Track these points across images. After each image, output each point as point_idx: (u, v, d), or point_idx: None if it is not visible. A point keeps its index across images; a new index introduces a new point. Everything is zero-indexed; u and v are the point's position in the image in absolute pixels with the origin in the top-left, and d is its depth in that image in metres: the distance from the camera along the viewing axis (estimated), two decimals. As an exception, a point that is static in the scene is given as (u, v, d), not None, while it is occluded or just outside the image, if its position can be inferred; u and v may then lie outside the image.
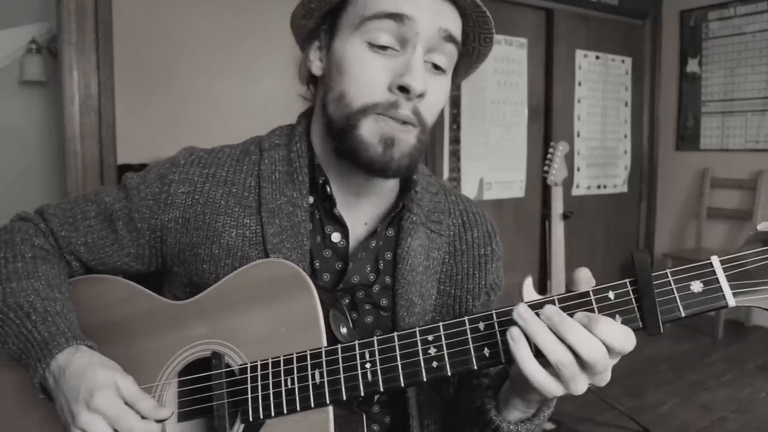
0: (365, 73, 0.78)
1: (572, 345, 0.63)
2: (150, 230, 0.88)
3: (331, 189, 0.85)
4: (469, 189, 3.71)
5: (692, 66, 4.40)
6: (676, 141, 4.56)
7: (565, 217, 2.78)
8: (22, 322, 0.79)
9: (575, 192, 4.19)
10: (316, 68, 0.86)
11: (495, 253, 0.95)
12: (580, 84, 4.17)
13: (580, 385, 0.65)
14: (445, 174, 3.59)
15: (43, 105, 3.16)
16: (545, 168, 2.84)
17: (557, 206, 2.76)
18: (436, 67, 0.80)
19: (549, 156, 2.85)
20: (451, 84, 0.86)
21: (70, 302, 0.86)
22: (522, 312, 0.65)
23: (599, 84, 4.28)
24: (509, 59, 3.82)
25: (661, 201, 4.67)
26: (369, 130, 0.78)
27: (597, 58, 4.25)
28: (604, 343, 0.63)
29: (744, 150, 4.18)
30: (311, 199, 0.87)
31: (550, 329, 0.64)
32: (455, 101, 3.60)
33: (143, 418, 0.74)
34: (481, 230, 0.94)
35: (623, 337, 0.64)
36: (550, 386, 0.65)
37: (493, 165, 3.82)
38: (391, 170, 0.79)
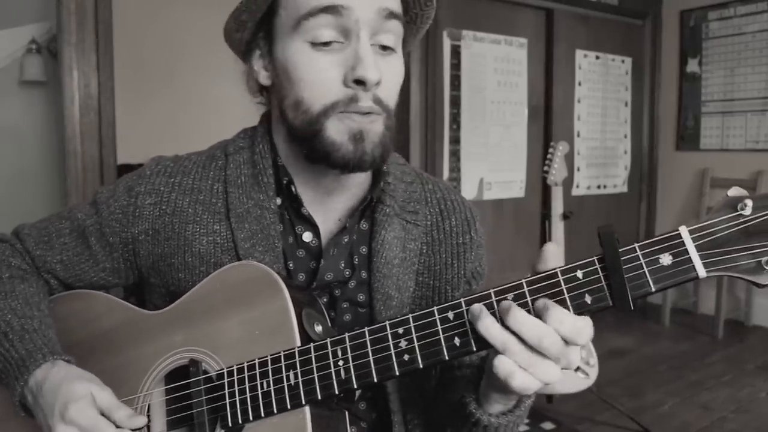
0: (316, 75, 0.76)
1: (518, 333, 0.64)
2: (122, 244, 0.88)
3: (296, 189, 0.84)
4: (469, 189, 3.71)
5: (692, 66, 4.40)
6: (676, 141, 4.55)
7: (565, 217, 2.78)
8: None
9: (575, 192, 4.19)
10: (264, 78, 0.84)
11: (474, 241, 0.93)
12: (580, 84, 4.17)
13: (542, 370, 0.64)
14: (445, 174, 3.59)
15: (43, 105, 3.16)
16: (545, 168, 2.84)
17: (557, 206, 2.76)
18: (384, 48, 0.78)
19: (549, 156, 2.85)
20: (403, 53, 0.84)
21: (49, 319, 0.85)
22: (473, 310, 0.66)
23: (599, 84, 4.28)
24: (509, 59, 3.82)
25: (661, 201, 4.67)
26: (335, 130, 0.76)
27: (597, 58, 4.25)
28: (557, 332, 0.63)
29: (744, 150, 4.18)
30: (279, 201, 0.86)
31: (501, 320, 0.65)
32: (455, 101, 3.60)
33: (119, 428, 0.73)
34: (459, 218, 0.92)
35: (573, 327, 0.63)
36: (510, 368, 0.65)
37: (493, 165, 3.82)
38: (367, 163, 0.78)
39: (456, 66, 3.59)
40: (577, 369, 2.59)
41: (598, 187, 4.36)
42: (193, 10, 2.73)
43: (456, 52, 3.58)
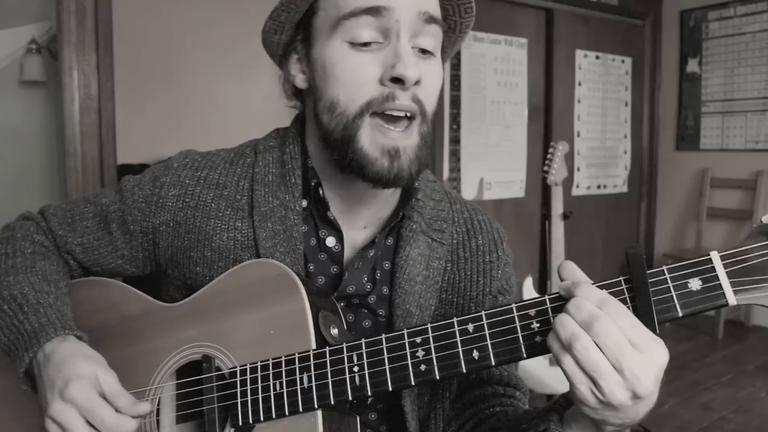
0: (353, 74, 0.75)
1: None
2: (142, 233, 0.88)
3: (323, 192, 0.84)
4: (469, 189, 3.71)
5: (692, 66, 4.40)
6: (676, 141, 4.56)
7: (565, 217, 2.78)
8: (14, 314, 0.79)
9: (575, 192, 4.19)
10: (300, 81, 0.83)
11: (501, 259, 0.92)
12: (580, 84, 4.17)
13: (615, 388, 0.58)
14: (445, 174, 3.59)
15: (43, 105, 3.16)
16: (545, 168, 2.84)
17: (557, 206, 2.76)
18: (423, 51, 0.77)
19: (549, 156, 2.85)
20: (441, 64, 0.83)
21: (67, 297, 0.86)
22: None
23: (599, 84, 4.28)
24: (509, 59, 3.82)
25: (661, 201, 4.67)
26: (369, 143, 0.75)
27: (597, 58, 4.24)
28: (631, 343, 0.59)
29: (744, 150, 4.18)
30: (305, 203, 0.85)
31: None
32: (455, 101, 3.60)
33: (117, 413, 0.73)
34: (486, 237, 0.91)
35: (634, 327, 0.59)
36: (582, 381, 0.60)
37: (493, 165, 3.82)
38: (403, 180, 0.76)
39: (456, 66, 3.59)
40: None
41: (598, 187, 4.35)
42: (193, 10, 2.73)
43: (456, 52, 3.57)
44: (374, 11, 0.73)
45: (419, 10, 0.75)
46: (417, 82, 0.75)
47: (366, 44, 0.75)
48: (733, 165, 4.20)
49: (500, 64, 3.78)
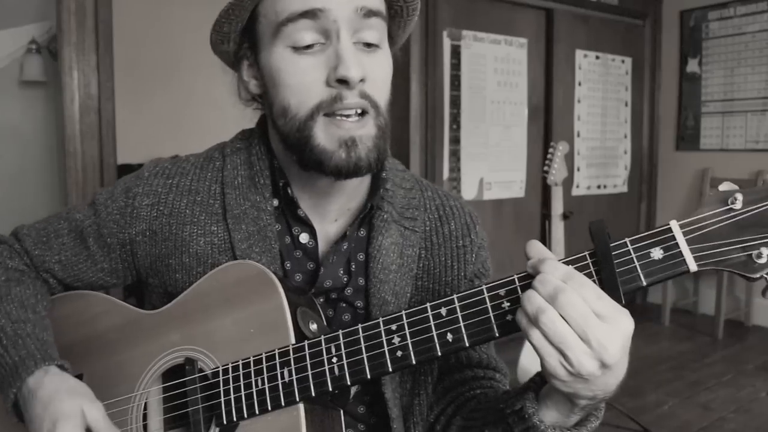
0: (299, 79, 0.76)
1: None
2: (120, 245, 0.88)
3: (292, 191, 0.84)
4: (469, 189, 3.71)
5: (692, 66, 4.40)
6: (676, 141, 4.56)
7: (565, 217, 2.78)
8: None
9: (575, 192, 4.19)
10: (254, 87, 0.84)
11: (474, 243, 0.93)
12: (580, 84, 4.17)
13: (583, 358, 0.60)
14: (445, 174, 3.59)
15: (43, 105, 3.16)
16: (545, 168, 2.83)
17: (557, 206, 2.76)
18: (368, 45, 0.77)
19: (549, 156, 2.85)
20: (393, 47, 0.83)
21: (46, 321, 0.85)
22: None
23: (599, 84, 4.28)
24: (509, 59, 3.82)
25: (661, 201, 4.67)
26: (325, 137, 0.76)
27: (597, 58, 4.25)
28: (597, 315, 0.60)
29: (744, 150, 4.18)
30: (276, 202, 0.86)
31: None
32: (455, 101, 3.60)
33: None
34: (458, 222, 0.92)
35: (599, 299, 0.61)
36: (551, 353, 0.61)
37: (493, 165, 3.82)
38: (363, 169, 0.77)
39: (456, 66, 3.59)
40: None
41: (598, 187, 4.35)
42: (193, 10, 2.73)
43: (456, 52, 3.57)
44: (310, 14, 0.74)
45: (356, 6, 0.75)
46: (362, 80, 0.75)
47: (308, 47, 0.75)
48: (733, 165, 4.19)
49: (500, 64, 3.78)
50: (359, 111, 0.76)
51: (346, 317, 0.87)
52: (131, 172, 0.94)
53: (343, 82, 0.74)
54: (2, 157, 3.10)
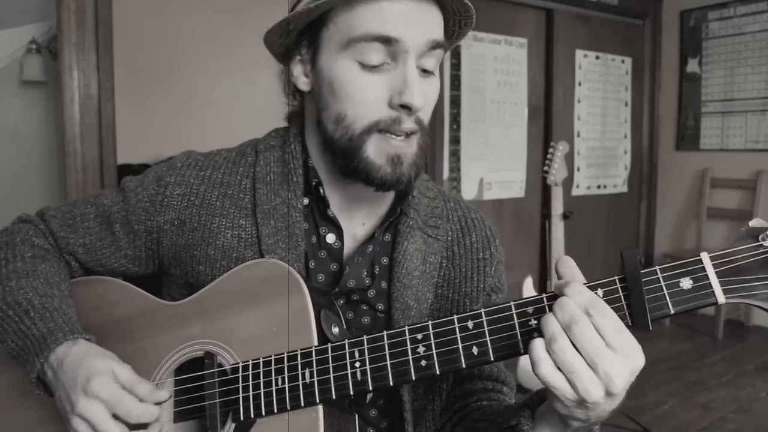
0: (363, 94, 0.78)
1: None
2: (146, 232, 0.89)
3: (324, 190, 0.86)
4: (469, 189, 3.71)
5: (692, 66, 4.40)
6: (676, 141, 4.56)
7: (565, 217, 2.78)
8: (20, 320, 0.80)
9: (575, 192, 4.19)
10: (303, 84, 0.85)
11: (494, 257, 0.95)
12: (580, 84, 4.17)
13: (589, 382, 0.61)
14: (445, 174, 3.59)
15: (43, 105, 3.16)
16: (545, 168, 2.84)
17: (557, 206, 2.76)
18: (425, 71, 0.81)
19: (549, 156, 2.85)
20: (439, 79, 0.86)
21: (69, 299, 0.87)
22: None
23: (599, 84, 4.28)
24: (509, 59, 3.82)
25: (661, 201, 4.67)
26: (375, 151, 0.79)
27: (597, 58, 4.25)
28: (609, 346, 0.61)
29: (744, 150, 4.18)
30: (306, 201, 0.87)
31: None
32: (455, 101, 3.60)
33: (141, 402, 0.75)
34: (479, 235, 0.94)
35: (618, 331, 0.61)
36: (559, 382, 0.62)
37: (493, 165, 3.82)
38: (403, 184, 0.81)
39: (456, 66, 3.59)
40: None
41: (598, 187, 4.36)
42: (193, 10, 2.73)
43: (456, 52, 3.58)
44: (385, 40, 0.76)
45: (428, 39, 0.78)
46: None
47: (376, 66, 0.77)
48: (733, 165, 4.20)
49: (500, 64, 3.78)
50: (409, 133, 0.79)
51: (366, 320, 0.87)
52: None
53: (406, 107, 0.77)
54: (2, 157, 3.10)
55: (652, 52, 4.53)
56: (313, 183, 0.86)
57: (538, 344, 0.62)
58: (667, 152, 4.61)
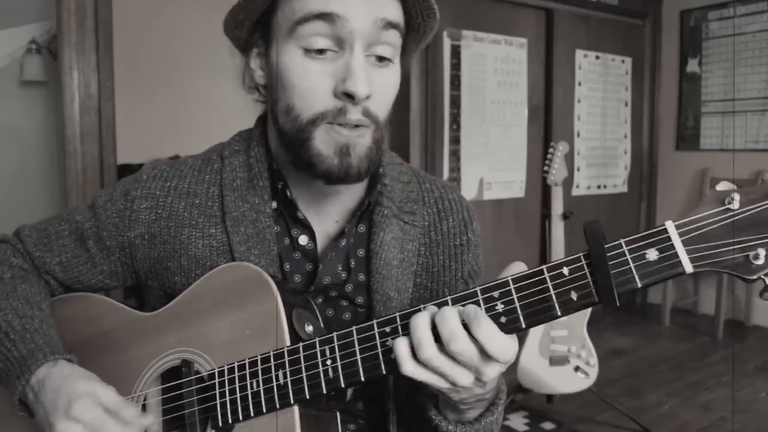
0: (307, 83, 0.75)
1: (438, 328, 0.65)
2: (119, 247, 0.88)
3: (291, 193, 0.84)
4: (469, 189, 3.71)
5: (692, 66, 4.40)
6: (676, 141, 4.55)
7: (565, 217, 2.78)
8: (1, 342, 0.80)
9: (575, 192, 4.19)
10: (259, 77, 0.84)
11: (471, 242, 0.93)
12: (580, 84, 4.17)
13: (458, 376, 0.66)
14: (445, 174, 3.59)
15: (43, 105, 3.16)
16: (545, 168, 2.84)
17: (557, 206, 2.76)
18: (380, 59, 0.77)
19: (549, 156, 2.85)
20: (404, 62, 0.83)
21: (51, 319, 0.86)
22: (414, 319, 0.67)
23: (599, 84, 4.28)
24: (509, 59, 3.82)
25: (661, 201, 4.67)
26: (322, 142, 0.76)
27: (597, 58, 4.24)
28: (477, 341, 0.64)
29: (744, 150, 4.18)
30: (274, 204, 0.86)
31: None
32: (455, 101, 3.60)
33: (126, 424, 0.73)
34: (456, 218, 0.92)
35: (492, 340, 0.64)
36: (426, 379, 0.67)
37: (493, 165, 3.82)
38: (351, 177, 0.77)
39: (456, 66, 3.59)
40: (577, 369, 2.59)
41: (598, 187, 4.35)
42: (193, 10, 2.73)
43: (456, 52, 3.57)
44: (327, 17, 0.73)
45: (375, 17, 0.74)
46: (368, 97, 0.75)
47: (320, 51, 0.75)
48: (733, 165, 4.19)
49: (500, 64, 3.78)
50: (357, 125, 0.77)
51: (347, 316, 0.87)
52: (131, 172, 0.94)
53: (349, 96, 0.74)
54: (2, 157, 3.10)
55: (652, 52, 4.53)
56: (279, 186, 0.84)
57: (401, 343, 0.66)
58: (667, 152, 4.61)
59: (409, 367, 0.65)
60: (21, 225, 0.95)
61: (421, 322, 0.65)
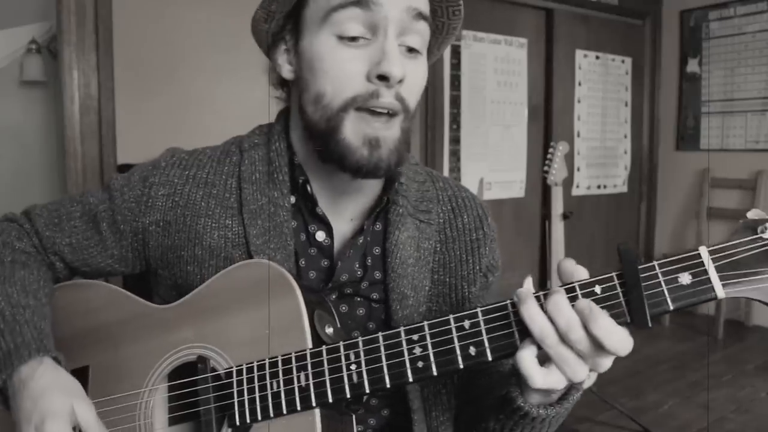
0: (340, 68, 0.76)
1: (553, 319, 0.63)
2: (132, 233, 0.88)
3: (311, 188, 0.84)
4: (469, 189, 3.71)
5: (692, 66, 4.40)
6: (676, 141, 4.55)
7: (565, 217, 2.78)
8: None
9: (575, 192, 4.19)
10: (287, 72, 0.84)
11: (487, 236, 0.93)
12: (580, 84, 4.17)
13: (576, 369, 0.64)
14: (445, 174, 3.59)
15: (43, 105, 3.16)
16: (545, 168, 2.84)
17: (557, 206, 2.76)
18: (410, 50, 0.78)
19: (549, 156, 2.85)
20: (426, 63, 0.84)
21: (46, 308, 0.84)
22: (519, 293, 0.65)
23: (599, 84, 4.28)
24: (509, 59, 3.82)
25: (661, 201, 4.67)
26: (352, 132, 0.76)
27: (597, 58, 4.25)
28: (596, 338, 0.62)
29: (744, 150, 4.18)
30: (293, 199, 0.86)
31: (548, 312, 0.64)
32: (455, 101, 3.60)
33: None
34: (471, 215, 0.93)
35: (605, 331, 0.62)
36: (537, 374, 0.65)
37: (493, 165, 3.82)
38: (382, 170, 0.78)
39: (456, 66, 3.59)
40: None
41: (598, 187, 4.36)
42: (193, 10, 2.73)
43: (456, 52, 3.58)
44: (362, 4, 0.74)
45: (408, 6, 0.76)
46: (401, 81, 0.76)
47: (353, 39, 0.76)
48: (733, 165, 4.19)
49: (500, 64, 3.78)
50: (390, 111, 0.77)
51: (361, 311, 0.86)
52: (146, 161, 0.92)
53: (384, 78, 0.74)
54: (2, 157, 3.10)
55: (652, 52, 4.53)
56: (300, 181, 0.84)
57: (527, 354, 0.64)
58: (667, 152, 4.61)
59: (539, 379, 0.64)
60: (31, 205, 0.93)
61: (534, 312, 0.63)
